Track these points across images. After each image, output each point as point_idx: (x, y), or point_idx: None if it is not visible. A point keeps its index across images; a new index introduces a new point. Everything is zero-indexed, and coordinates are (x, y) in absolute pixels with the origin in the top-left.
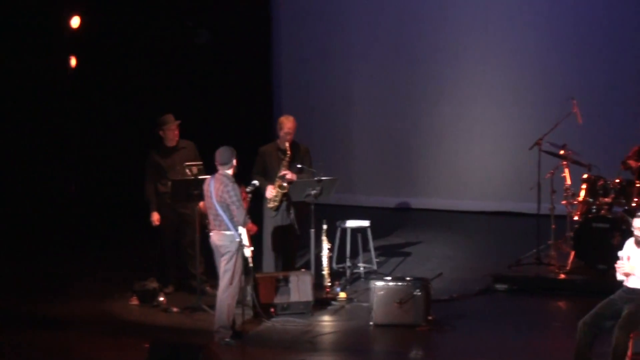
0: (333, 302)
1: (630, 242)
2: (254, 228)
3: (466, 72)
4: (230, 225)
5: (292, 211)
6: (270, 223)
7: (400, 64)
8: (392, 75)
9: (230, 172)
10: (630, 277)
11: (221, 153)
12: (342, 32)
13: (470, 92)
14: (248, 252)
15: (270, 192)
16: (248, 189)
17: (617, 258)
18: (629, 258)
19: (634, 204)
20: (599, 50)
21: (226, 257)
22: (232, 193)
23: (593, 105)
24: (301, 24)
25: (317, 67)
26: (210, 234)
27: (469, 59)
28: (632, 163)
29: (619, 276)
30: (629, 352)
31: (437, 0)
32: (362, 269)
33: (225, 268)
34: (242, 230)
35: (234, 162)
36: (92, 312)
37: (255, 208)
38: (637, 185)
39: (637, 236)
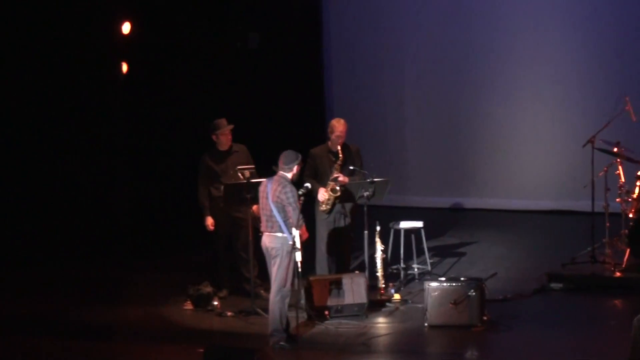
0: (387, 304)
1: None
2: (306, 234)
3: (518, 71)
4: (284, 227)
5: (345, 213)
6: (323, 226)
7: (451, 63)
8: (443, 75)
9: (289, 175)
10: None
11: (286, 155)
12: (392, 33)
13: (523, 90)
14: (299, 255)
15: (323, 195)
16: (300, 192)
17: None
18: None
19: None
20: None
21: (278, 259)
22: (290, 194)
23: None
24: (351, 25)
25: (368, 68)
26: (262, 236)
27: (521, 58)
28: None
29: None
30: None
31: (489, 0)
32: (416, 270)
33: (278, 271)
34: (296, 233)
35: (296, 168)
36: (146, 317)
37: (307, 211)
38: None
39: None
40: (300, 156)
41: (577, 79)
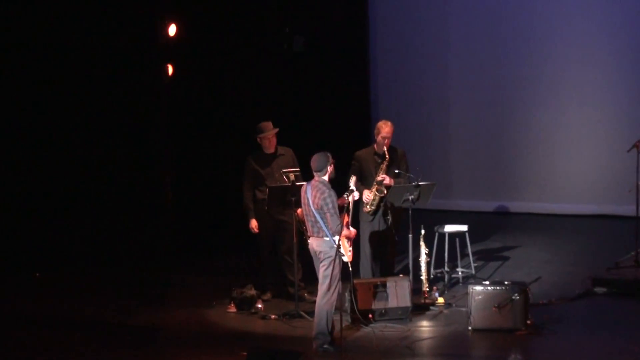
0: (431, 308)
1: None
2: (352, 233)
3: (563, 74)
4: (327, 232)
5: (389, 216)
6: (367, 228)
7: (496, 66)
8: (488, 79)
9: (326, 178)
10: None
11: (316, 160)
12: (437, 35)
13: (568, 94)
14: (346, 258)
15: (367, 195)
16: (345, 195)
17: None
18: None
19: None
20: None
21: (325, 263)
22: (329, 200)
23: None
24: (397, 28)
25: (414, 71)
26: (309, 240)
27: (565, 60)
28: None
29: None
30: None
31: (533, 0)
32: (460, 273)
33: (324, 274)
34: (336, 238)
35: (329, 168)
36: (190, 320)
37: (353, 213)
38: None
39: None
40: (329, 155)
41: (622, 82)
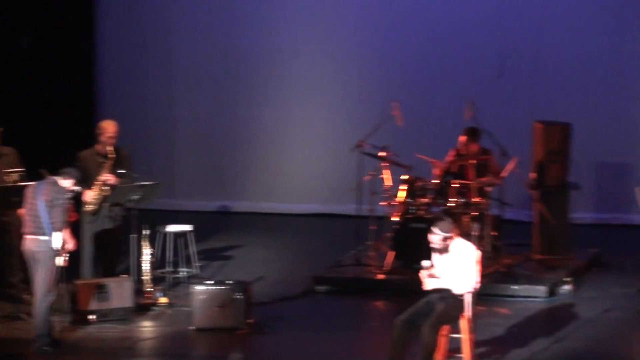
0: (154, 308)
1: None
2: (72, 240)
3: (288, 75)
4: (49, 229)
5: (112, 217)
6: (89, 228)
7: (222, 67)
8: (214, 79)
9: (68, 184)
10: (442, 279)
11: (67, 172)
12: (163, 35)
13: (292, 94)
14: (61, 260)
15: (89, 194)
16: (69, 197)
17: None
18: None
19: (451, 204)
20: (419, 54)
21: (42, 263)
22: (62, 195)
23: (413, 108)
24: (124, 27)
25: (139, 71)
26: (26, 240)
27: (291, 62)
28: (436, 165)
29: (428, 286)
30: (442, 350)
31: (260, 1)
32: (183, 273)
33: (42, 275)
34: (58, 235)
35: (70, 182)
36: None
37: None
38: (455, 185)
39: (435, 249)
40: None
41: (346, 84)
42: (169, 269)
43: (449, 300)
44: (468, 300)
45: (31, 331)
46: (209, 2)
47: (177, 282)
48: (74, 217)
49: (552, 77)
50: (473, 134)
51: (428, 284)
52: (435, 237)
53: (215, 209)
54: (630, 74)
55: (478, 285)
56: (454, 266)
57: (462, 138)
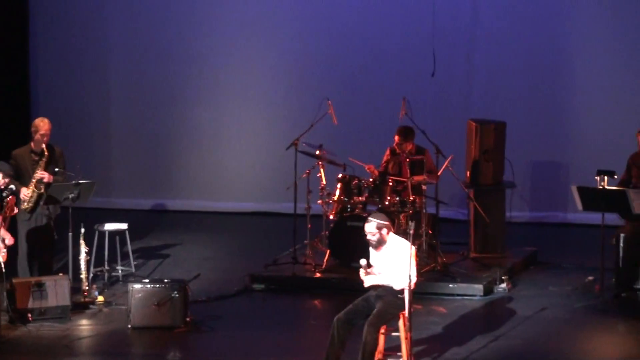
0: (91, 306)
1: (371, 250)
2: (11, 239)
3: (223, 74)
4: None
5: (48, 215)
6: (24, 227)
7: (157, 65)
8: (149, 77)
9: None
10: (380, 276)
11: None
12: (98, 32)
13: (227, 93)
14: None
15: (25, 193)
16: (4, 194)
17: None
18: (371, 266)
19: (387, 202)
20: (353, 52)
21: None
22: None
23: (348, 107)
24: (58, 24)
25: (74, 69)
26: None
27: (225, 60)
28: (372, 169)
29: (367, 284)
30: (380, 348)
31: (194, 1)
32: (120, 272)
33: None
34: None
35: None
36: None
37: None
38: (390, 184)
39: (370, 240)
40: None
41: (281, 82)
42: (105, 267)
43: (388, 298)
44: (406, 298)
45: None
46: (143, 1)
47: (114, 281)
48: (14, 211)
49: (486, 76)
50: (406, 132)
51: (367, 282)
52: (370, 226)
53: (152, 207)
54: (565, 72)
55: (416, 280)
56: (392, 263)
57: (396, 137)
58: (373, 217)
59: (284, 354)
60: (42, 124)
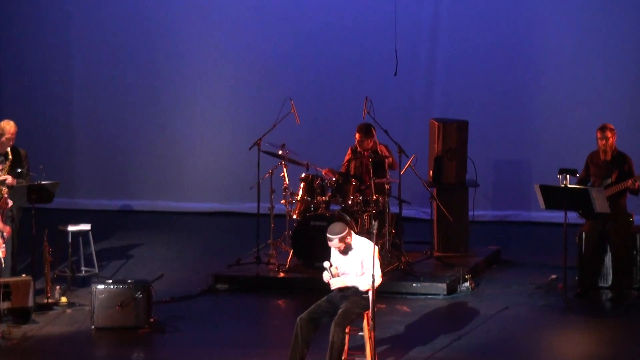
0: (54, 307)
1: (334, 251)
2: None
3: (186, 74)
4: None
5: (11, 216)
6: None
7: (121, 65)
8: (112, 78)
9: None
10: (345, 277)
11: None
12: (61, 34)
13: (190, 94)
14: None
15: None
16: None
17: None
18: (337, 267)
19: (350, 202)
20: (316, 51)
21: None
22: None
23: (310, 106)
24: (19, 25)
25: (37, 70)
26: None
27: (188, 61)
28: (329, 174)
29: (334, 286)
30: (346, 348)
31: (158, 2)
32: (83, 272)
33: None
34: None
35: None
36: None
37: None
38: (354, 183)
39: (338, 250)
40: None
41: (244, 82)
42: (69, 268)
43: (353, 298)
44: (370, 297)
45: None
46: (106, 2)
47: (77, 282)
48: (7, 205)
49: (448, 75)
50: (366, 129)
51: (333, 284)
52: (334, 243)
53: (115, 208)
54: (527, 71)
55: (381, 280)
56: (356, 263)
57: (357, 134)
58: (332, 234)
59: (248, 354)
60: (8, 127)
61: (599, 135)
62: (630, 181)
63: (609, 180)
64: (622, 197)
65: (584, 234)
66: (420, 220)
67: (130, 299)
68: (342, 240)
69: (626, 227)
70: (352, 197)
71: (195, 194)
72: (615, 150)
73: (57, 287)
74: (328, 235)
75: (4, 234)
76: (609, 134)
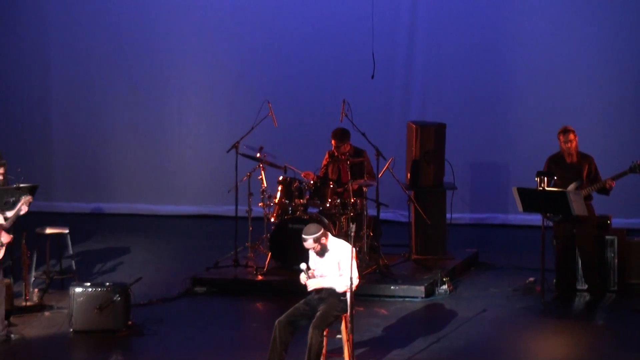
0: (33, 310)
1: (312, 253)
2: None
3: (163, 76)
4: None
5: None
6: None
7: (97, 70)
8: (88, 80)
9: None
10: (323, 279)
11: None
12: (37, 34)
13: (168, 96)
14: None
15: None
16: None
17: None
18: (313, 271)
19: (328, 205)
20: (293, 54)
21: None
22: None
23: (288, 109)
24: None
25: (14, 72)
26: None
27: (166, 63)
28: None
29: (311, 287)
30: (324, 350)
31: (135, 4)
32: (62, 275)
33: None
34: None
35: None
36: None
37: None
38: (331, 186)
39: (314, 251)
40: None
41: (221, 85)
42: (47, 271)
43: (331, 300)
44: (348, 299)
45: None
46: (83, 5)
47: (55, 285)
48: None
49: (425, 78)
50: (341, 134)
51: (310, 286)
52: (308, 243)
53: (92, 211)
54: (504, 74)
55: (357, 282)
56: (332, 265)
57: (332, 141)
58: (306, 235)
59: (226, 357)
60: None
61: (561, 138)
62: (607, 181)
63: (580, 183)
64: (588, 199)
65: (559, 236)
66: (398, 223)
67: (109, 301)
68: (316, 241)
69: (593, 230)
70: (330, 200)
71: (173, 197)
72: (578, 151)
73: (36, 289)
74: (303, 235)
75: (3, 238)
76: (572, 137)
